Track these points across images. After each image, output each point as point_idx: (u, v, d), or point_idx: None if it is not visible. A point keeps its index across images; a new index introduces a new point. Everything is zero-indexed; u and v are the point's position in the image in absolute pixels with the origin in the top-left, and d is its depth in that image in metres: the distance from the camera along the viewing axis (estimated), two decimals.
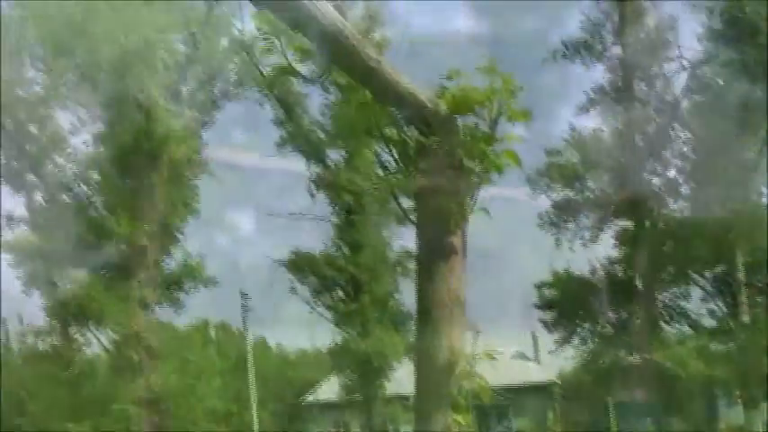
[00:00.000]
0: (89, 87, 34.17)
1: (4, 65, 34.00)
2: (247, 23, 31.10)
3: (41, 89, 35.24)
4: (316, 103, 36.87)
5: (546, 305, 38.45)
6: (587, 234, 37.57)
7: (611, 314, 37.27)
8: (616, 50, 37.31)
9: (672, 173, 37.16)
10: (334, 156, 36.79)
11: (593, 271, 37.56)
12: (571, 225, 37.61)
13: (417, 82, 5.86)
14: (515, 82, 6.15)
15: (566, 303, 37.70)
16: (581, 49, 37.15)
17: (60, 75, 34.12)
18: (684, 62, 36.08)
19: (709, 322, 37.53)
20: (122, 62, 31.47)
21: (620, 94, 36.96)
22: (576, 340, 38.35)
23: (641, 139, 36.40)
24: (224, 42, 35.65)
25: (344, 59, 5.21)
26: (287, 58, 5.66)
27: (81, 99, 35.00)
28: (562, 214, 37.62)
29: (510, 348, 45.31)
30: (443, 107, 5.87)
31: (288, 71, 5.75)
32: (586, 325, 38.01)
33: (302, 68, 5.89)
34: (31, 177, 35.42)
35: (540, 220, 37.70)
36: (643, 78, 37.14)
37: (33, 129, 35.43)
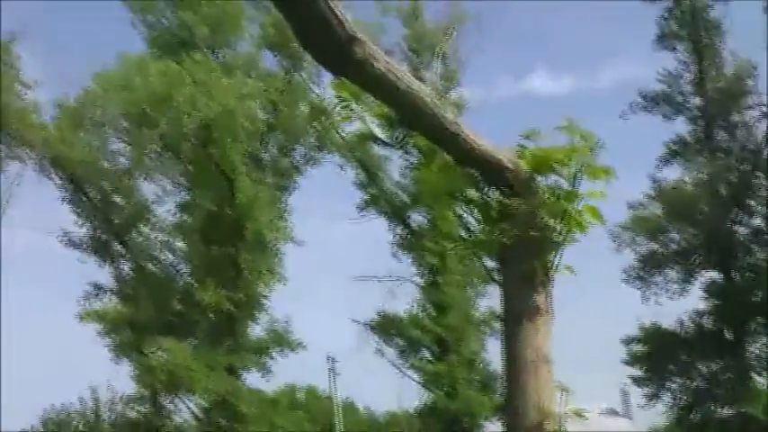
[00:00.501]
0: (172, 157, 34.95)
1: (90, 138, 35.07)
2: (325, 89, 31.62)
3: (126, 160, 36.15)
4: (397, 164, 37.23)
5: (635, 360, 37.73)
6: (674, 287, 36.97)
7: (701, 367, 36.50)
8: (695, 101, 37.02)
9: (757, 221, 36.46)
10: (418, 217, 37.07)
11: (682, 324, 36.86)
12: (657, 278, 37.08)
13: (497, 141, 5.88)
14: (595, 138, 6.12)
15: (655, 357, 36.91)
16: (660, 101, 36.98)
17: (144, 146, 34.89)
18: (765, 109, 35.66)
19: None
20: (205, 131, 32.17)
21: (701, 144, 36.59)
22: (666, 394, 37.54)
23: (725, 188, 35.86)
24: (303, 108, 36.34)
25: (423, 124, 5.27)
26: (366, 125, 5.75)
27: (164, 169, 35.79)
28: (648, 268, 37.13)
29: (600, 405, 44.54)
30: (524, 167, 5.87)
31: (368, 137, 5.85)
32: (676, 379, 37.19)
33: (382, 134, 5.97)
34: (117, 247, 36.18)
35: (625, 275, 37.29)
36: (724, 127, 36.70)
37: (119, 200, 36.31)
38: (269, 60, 37.54)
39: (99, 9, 56.05)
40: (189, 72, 32.03)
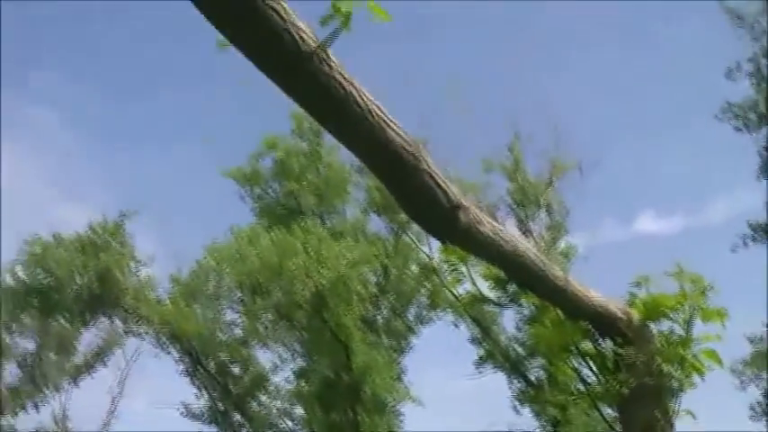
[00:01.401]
0: (287, 325, 35.44)
1: (205, 310, 35.93)
2: (434, 247, 32.03)
3: (241, 331, 36.80)
4: (512, 317, 37.06)
5: None
6: None
7: None
8: None
9: None
10: (536, 370, 36.57)
11: None
12: None
13: (609, 286, 5.98)
14: (705, 282, 6.16)
15: None
16: None
17: (258, 315, 35.49)
18: None
19: None
20: (318, 298, 32.65)
21: None
22: None
23: None
24: (413, 269, 36.72)
25: (532, 283, 5.42)
26: (476, 286, 5.93)
27: (280, 337, 36.29)
28: None
29: None
30: (636, 316, 5.95)
31: (478, 299, 6.01)
32: None
33: (492, 294, 6.13)
34: (237, 417, 36.51)
35: (752, 412, 36.02)
36: None
37: (236, 370, 36.87)
38: (376, 223, 38.25)
39: (208, 186, 57.98)
40: (299, 240, 32.76)
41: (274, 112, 40.29)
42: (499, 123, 41.68)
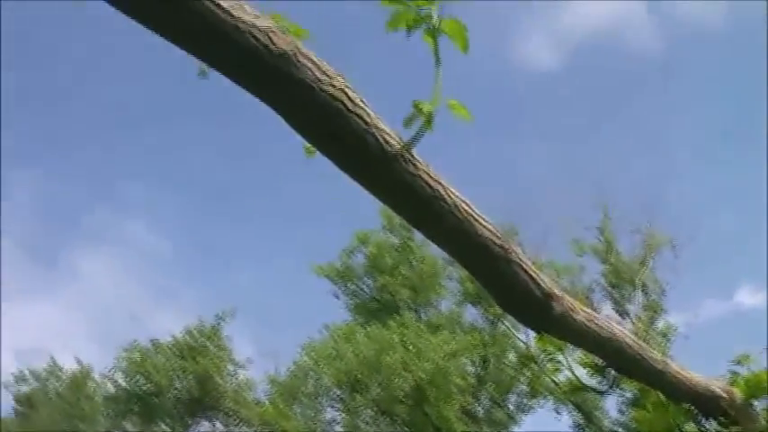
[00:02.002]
0: (387, 420, 35.27)
1: (304, 409, 35.99)
2: (531, 334, 31.72)
3: (342, 428, 36.69)
4: (614, 401, 36.42)
5: None
6: None
7: None
8: None
9: None
10: None
11: None
12: None
13: (708, 367, 5.86)
14: None
15: None
16: None
17: (358, 412, 35.43)
18: None
19: None
20: (417, 392, 32.50)
21: None
22: None
23: None
24: (511, 357, 36.41)
25: (630, 368, 5.35)
26: (575, 375, 5.87)
27: None
28: None
29: None
30: (738, 395, 5.81)
31: (578, 387, 5.94)
32: None
33: (591, 381, 6.06)
34: None
35: None
36: None
37: None
38: (471, 314, 38.11)
39: (301, 285, 58.56)
40: (396, 335, 32.78)
41: (364, 207, 40.78)
42: (589, 203, 41.48)
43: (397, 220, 36.75)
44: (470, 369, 35.43)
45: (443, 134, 2.78)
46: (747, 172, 49.53)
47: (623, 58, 52.27)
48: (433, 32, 2.77)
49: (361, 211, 39.50)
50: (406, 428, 34.81)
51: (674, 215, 48.10)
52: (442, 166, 2.80)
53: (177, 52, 2.51)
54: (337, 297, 38.91)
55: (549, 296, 4.21)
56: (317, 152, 2.74)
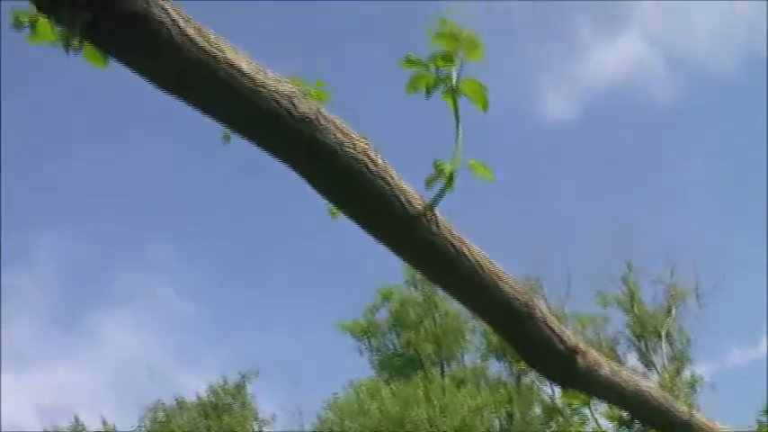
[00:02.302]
0: None
1: None
2: (557, 388, 31.54)
3: None
4: None
5: None
6: None
7: None
8: None
9: None
10: None
11: None
12: None
13: (736, 416, 5.83)
14: None
15: None
16: None
17: None
18: None
19: None
20: None
21: None
22: None
23: None
24: (537, 410, 36.16)
25: (655, 420, 5.32)
26: (600, 428, 5.83)
27: None
28: None
29: None
30: None
31: None
32: None
33: None
34: None
35: None
36: None
37: None
38: (496, 367, 37.96)
39: (325, 342, 58.56)
40: (420, 390, 32.67)
41: (387, 263, 40.85)
42: (613, 254, 41.37)
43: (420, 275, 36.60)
44: (496, 423, 35.19)
45: (465, 191, 2.82)
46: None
47: (642, 108, 52.61)
48: (453, 93, 2.82)
49: (385, 267, 39.55)
50: None
51: (697, 264, 47.81)
52: (463, 222, 2.84)
53: (201, 117, 2.56)
54: (361, 353, 38.93)
55: (573, 351, 4.20)
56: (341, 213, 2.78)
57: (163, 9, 2.34)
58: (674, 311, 40.21)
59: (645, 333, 39.20)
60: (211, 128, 2.62)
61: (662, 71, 52.12)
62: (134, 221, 56.91)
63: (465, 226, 2.85)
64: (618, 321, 40.50)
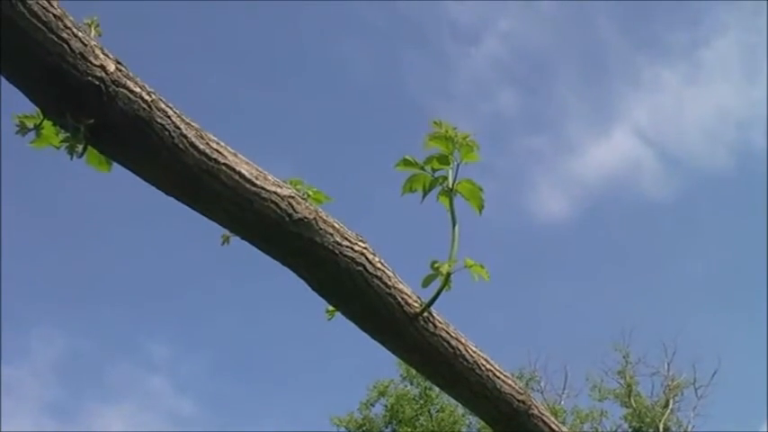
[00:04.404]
0: None
1: None
2: None
3: None
4: None
5: None
6: None
7: None
8: None
9: None
10: None
11: None
12: None
13: None
14: None
15: None
16: None
17: None
18: None
19: None
20: None
21: None
22: None
23: None
24: None
25: None
26: None
27: None
28: None
29: None
30: None
31: None
32: None
33: None
34: None
35: None
36: None
37: None
38: None
39: None
40: None
41: (383, 358, 40.67)
42: (610, 348, 41.23)
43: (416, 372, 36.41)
44: None
45: (462, 289, 2.85)
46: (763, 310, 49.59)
47: (636, 204, 52.92)
48: (449, 194, 2.87)
49: (381, 361, 39.36)
50: None
51: (694, 355, 47.73)
52: (460, 320, 2.86)
53: (201, 219, 2.59)
54: None
55: None
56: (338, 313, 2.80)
57: (164, 112, 2.39)
58: (671, 404, 39.93)
59: (643, 426, 38.91)
60: (211, 228, 2.65)
61: (655, 166, 52.63)
62: (131, 314, 56.58)
63: (461, 320, 2.87)
64: (616, 415, 40.20)
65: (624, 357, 40.56)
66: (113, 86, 2.25)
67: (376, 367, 41.96)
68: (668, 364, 40.33)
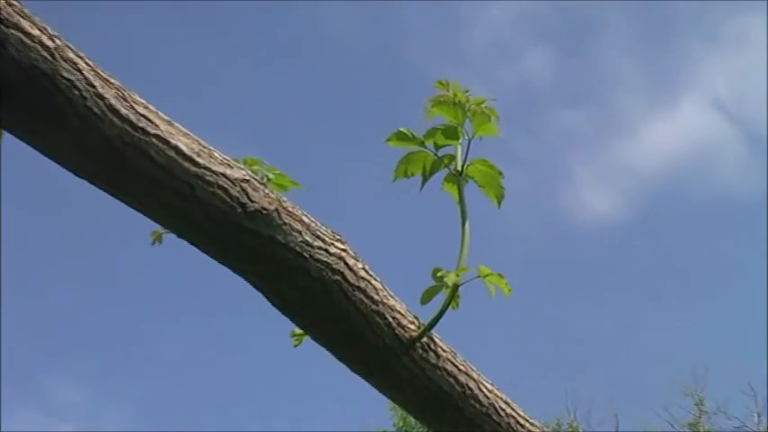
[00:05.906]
0: None
1: None
2: None
3: None
4: None
5: None
6: None
7: None
8: None
9: None
10: None
11: None
12: None
13: None
14: None
15: None
16: None
17: None
18: None
19: None
20: None
21: None
22: None
23: None
24: None
25: None
26: None
27: None
28: None
29: None
30: None
31: None
32: None
33: None
34: None
35: None
36: None
37: None
38: None
39: None
40: None
41: (369, 399, 39.40)
42: (675, 389, 37.16)
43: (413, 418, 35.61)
44: None
45: (474, 307, 2.22)
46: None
47: (710, 201, 43.06)
48: (458, 179, 2.23)
49: (366, 405, 37.30)
50: None
51: None
52: (471, 348, 2.25)
53: (127, 213, 1.98)
54: None
55: None
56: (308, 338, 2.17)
57: (73, 63, 1.80)
58: None
59: None
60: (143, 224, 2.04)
61: (738, 150, 42.39)
62: (36, 353, 53.60)
63: (472, 349, 2.25)
64: None
65: (697, 405, 35.51)
66: (1, 26, 1.67)
67: (361, 412, 39.99)
68: (758, 415, 35.12)
